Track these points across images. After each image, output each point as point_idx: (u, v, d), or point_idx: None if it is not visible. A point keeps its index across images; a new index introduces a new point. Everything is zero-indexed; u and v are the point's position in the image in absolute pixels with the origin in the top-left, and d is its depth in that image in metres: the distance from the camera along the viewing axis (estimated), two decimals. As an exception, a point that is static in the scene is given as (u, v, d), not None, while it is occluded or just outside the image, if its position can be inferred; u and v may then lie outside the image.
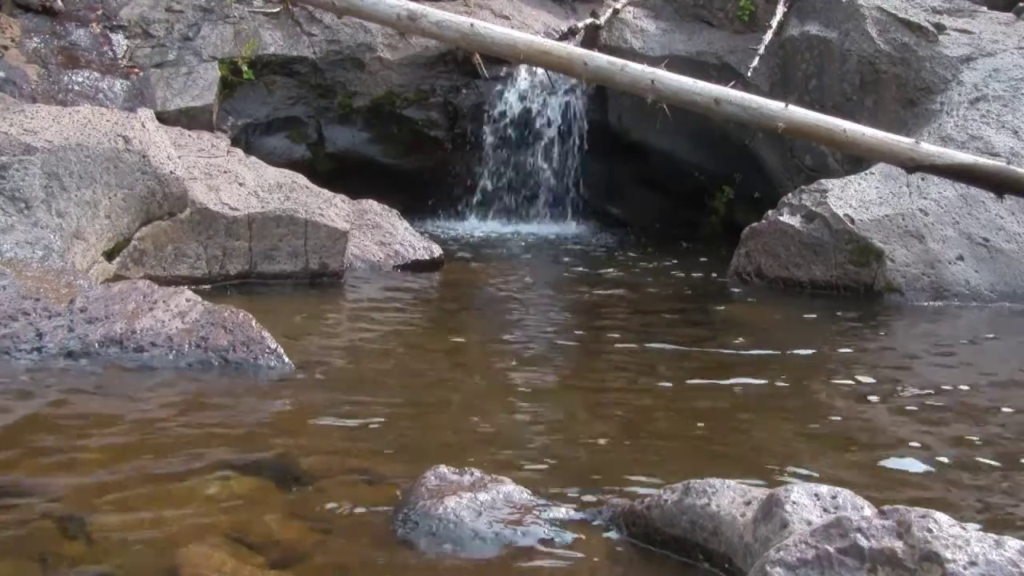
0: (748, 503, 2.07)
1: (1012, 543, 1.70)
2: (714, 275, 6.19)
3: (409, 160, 8.09)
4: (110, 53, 6.74)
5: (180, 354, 3.47)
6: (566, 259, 6.93)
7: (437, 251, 6.05)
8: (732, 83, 4.70)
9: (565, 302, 5.59)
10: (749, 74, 7.20)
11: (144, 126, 5.06)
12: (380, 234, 5.98)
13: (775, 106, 4.44)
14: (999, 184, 4.49)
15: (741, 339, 4.50)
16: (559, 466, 2.75)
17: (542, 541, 2.17)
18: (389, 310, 4.88)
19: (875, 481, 2.73)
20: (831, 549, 1.72)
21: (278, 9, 7.46)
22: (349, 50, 7.58)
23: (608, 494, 2.46)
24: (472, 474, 2.39)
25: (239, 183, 5.42)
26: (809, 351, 4.39)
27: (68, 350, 3.45)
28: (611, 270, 6.44)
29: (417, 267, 5.89)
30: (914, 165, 4.46)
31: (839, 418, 3.35)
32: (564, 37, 7.62)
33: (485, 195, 8.19)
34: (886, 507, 1.80)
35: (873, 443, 3.10)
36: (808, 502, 1.97)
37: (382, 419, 3.11)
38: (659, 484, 2.33)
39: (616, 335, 4.61)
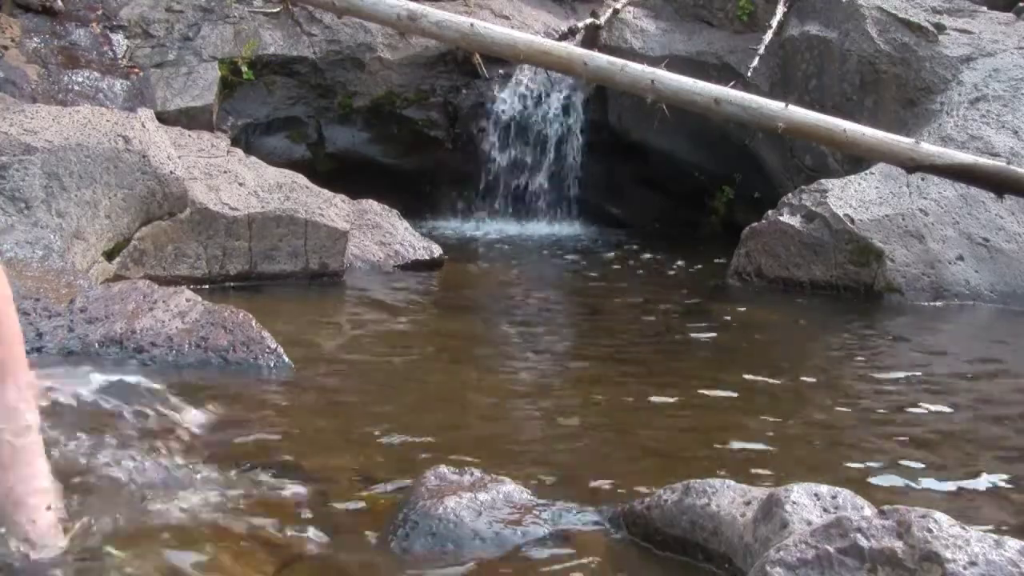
0: (748, 503, 2.07)
1: (1012, 543, 1.70)
2: (714, 275, 6.19)
3: (409, 160, 8.08)
4: (110, 53, 6.74)
5: (180, 354, 3.47)
6: (566, 259, 6.93)
7: (437, 251, 6.05)
8: (732, 83, 4.70)
9: (565, 302, 5.59)
10: (749, 74, 7.20)
11: (144, 126, 5.06)
12: (380, 234, 5.97)
13: (775, 106, 4.44)
14: (999, 184, 4.48)
15: (741, 339, 4.50)
16: (559, 466, 2.75)
17: (542, 541, 2.17)
18: (389, 310, 4.87)
19: (875, 481, 2.73)
20: (831, 549, 1.72)
21: (278, 9, 7.46)
22: (349, 50, 7.58)
23: (608, 494, 2.46)
24: (472, 474, 2.39)
25: (239, 183, 5.42)
26: (809, 351, 4.40)
27: (68, 350, 3.45)
28: (611, 270, 6.44)
29: (417, 267, 5.89)
30: (914, 165, 4.46)
31: (839, 418, 3.34)
32: (564, 37, 7.61)
33: (485, 195, 8.18)
34: (886, 507, 1.80)
35: (873, 442, 3.09)
36: (808, 502, 1.97)
37: (382, 419, 3.11)
38: (659, 484, 2.33)
39: (616, 335, 4.61)
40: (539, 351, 4.23)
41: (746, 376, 3.86)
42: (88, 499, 2.12)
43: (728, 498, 2.11)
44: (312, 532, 2.19)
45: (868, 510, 1.96)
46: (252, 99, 7.33)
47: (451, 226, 8.03)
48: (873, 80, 6.86)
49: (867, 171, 5.94)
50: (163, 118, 6.21)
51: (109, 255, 4.72)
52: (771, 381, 3.80)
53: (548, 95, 8.03)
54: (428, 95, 7.88)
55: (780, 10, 7.37)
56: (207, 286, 4.98)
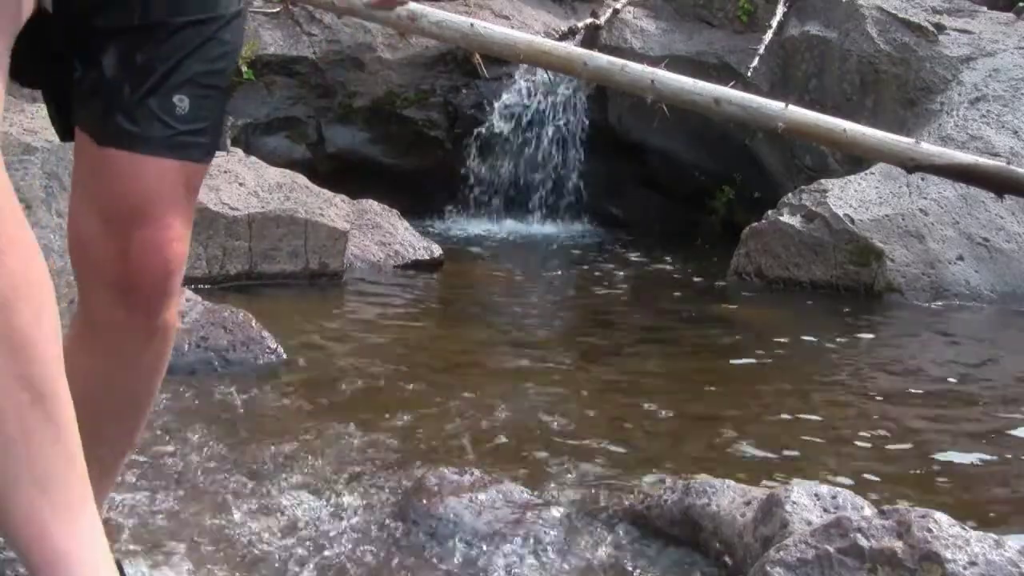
0: (748, 503, 2.07)
1: (1012, 543, 1.70)
2: (714, 275, 6.19)
3: (409, 160, 8.08)
4: (110, 53, 6.74)
5: (180, 354, 3.46)
6: (566, 259, 6.93)
7: (437, 251, 6.05)
8: (732, 83, 4.68)
9: (565, 302, 5.60)
10: (749, 74, 7.20)
11: (144, 126, 5.05)
12: (380, 234, 5.97)
13: (775, 106, 4.42)
14: (999, 184, 4.46)
15: (741, 339, 4.50)
16: (559, 465, 2.75)
17: (542, 541, 2.17)
18: (389, 310, 4.88)
19: (875, 481, 2.73)
20: (831, 549, 1.72)
21: (278, 9, 7.46)
22: (349, 50, 7.58)
23: (608, 494, 2.46)
24: (472, 474, 2.39)
25: (239, 183, 5.42)
26: (809, 351, 4.40)
27: (68, 350, 3.44)
28: (610, 270, 6.44)
29: (417, 267, 5.89)
30: (914, 165, 4.44)
31: (839, 418, 3.35)
32: (564, 37, 7.61)
33: (485, 195, 8.18)
34: (886, 507, 1.80)
35: (873, 443, 3.10)
36: (808, 502, 1.97)
37: (382, 419, 3.11)
38: (659, 484, 2.33)
39: (616, 335, 4.61)
40: (539, 351, 4.23)
41: (746, 376, 3.86)
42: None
43: (728, 498, 2.11)
44: (311, 533, 2.19)
45: (868, 510, 1.96)
46: (252, 99, 7.33)
47: (451, 226, 8.03)
48: (873, 80, 6.86)
49: (867, 171, 5.94)
50: (163, 118, 6.19)
51: (109, 255, 4.71)
52: (771, 381, 3.80)
53: (548, 95, 8.02)
54: (428, 95, 7.88)
55: (780, 10, 7.38)
56: (207, 286, 4.98)
